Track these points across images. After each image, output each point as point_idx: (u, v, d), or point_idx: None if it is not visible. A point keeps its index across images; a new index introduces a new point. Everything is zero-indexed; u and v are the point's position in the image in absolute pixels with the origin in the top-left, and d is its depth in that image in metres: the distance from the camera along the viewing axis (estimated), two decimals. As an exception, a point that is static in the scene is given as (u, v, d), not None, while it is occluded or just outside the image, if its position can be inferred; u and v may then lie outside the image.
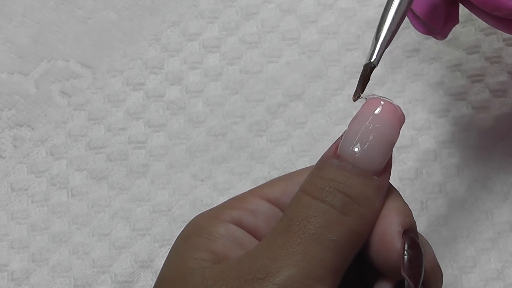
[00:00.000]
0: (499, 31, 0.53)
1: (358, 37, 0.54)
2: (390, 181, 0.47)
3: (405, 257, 0.35)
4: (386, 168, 0.36)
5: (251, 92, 0.53)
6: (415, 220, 0.49)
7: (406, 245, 0.35)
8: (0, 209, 0.51)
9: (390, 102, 0.37)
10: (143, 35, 0.55)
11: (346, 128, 0.37)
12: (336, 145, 0.36)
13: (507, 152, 0.51)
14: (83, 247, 0.50)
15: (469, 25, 0.54)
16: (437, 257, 0.49)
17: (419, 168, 0.51)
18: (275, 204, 0.38)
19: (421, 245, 0.36)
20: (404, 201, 0.37)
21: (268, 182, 0.39)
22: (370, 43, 0.54)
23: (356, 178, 0.35)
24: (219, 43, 0.54)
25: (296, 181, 0.37)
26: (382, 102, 0.36)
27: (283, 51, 0.54)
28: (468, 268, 0.49)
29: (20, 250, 0.50)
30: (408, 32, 0.54)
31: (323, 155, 0.36)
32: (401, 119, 0.37)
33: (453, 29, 0.45)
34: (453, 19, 0.43)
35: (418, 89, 0.53)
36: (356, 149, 0.35)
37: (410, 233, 0.36)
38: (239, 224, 0.37)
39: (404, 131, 0.51)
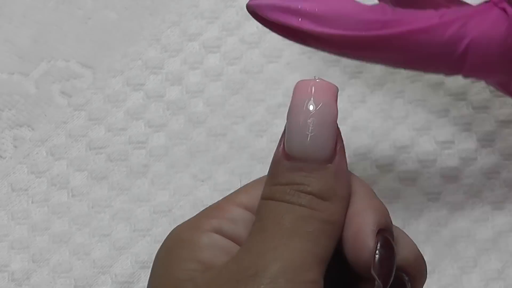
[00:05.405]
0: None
1: (358, 37, 0.54)
2: (389, 181, 0.47)
3: (376, 256, 0.34)
4: (338, 150, 0.35)
5: (251, 92, 0.53)
6: (418, 220, 0.50)
7: (378, 245, 0.35)
8: (0, 209, 0.51)
9: (319, 80, 0.35)
10: (143, 35, 0.55)
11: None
12: (282, 143, 0.35)
13: (507, 151, 0.51)
14: (84, 247, 0.50)
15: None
16: (437, 257, 0.49)
17: (419, 168, 0.51)
18: (252, 210, 0.38)
19: (394, 246, 0.35)
20: (379, 200, 0.36)
21: (241, 188, 0.38)
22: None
23: (312, 175, 0.34)
24: (219, 43, 0.54)
25: None
26: (311, 83, 0.35)
27: (283, 51, 0.54)
28: (469, 268, 0.49)
29: (21, 251, 0.50)
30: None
31: (273, 156, 0.36)
32: (335, 93, 0.35)
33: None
34: None
35: (418, 89, 0.52)
36: (302, 143, 0.34)
37: (384, 232, 0.35)
38: (220, 232, 0.37)
39: (404, 131, 0.52)
